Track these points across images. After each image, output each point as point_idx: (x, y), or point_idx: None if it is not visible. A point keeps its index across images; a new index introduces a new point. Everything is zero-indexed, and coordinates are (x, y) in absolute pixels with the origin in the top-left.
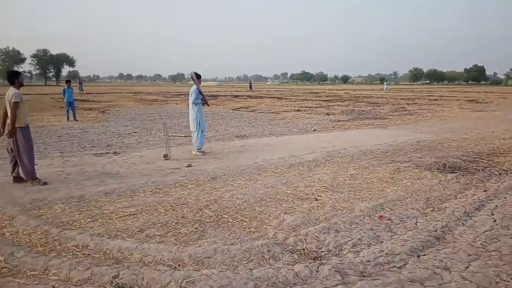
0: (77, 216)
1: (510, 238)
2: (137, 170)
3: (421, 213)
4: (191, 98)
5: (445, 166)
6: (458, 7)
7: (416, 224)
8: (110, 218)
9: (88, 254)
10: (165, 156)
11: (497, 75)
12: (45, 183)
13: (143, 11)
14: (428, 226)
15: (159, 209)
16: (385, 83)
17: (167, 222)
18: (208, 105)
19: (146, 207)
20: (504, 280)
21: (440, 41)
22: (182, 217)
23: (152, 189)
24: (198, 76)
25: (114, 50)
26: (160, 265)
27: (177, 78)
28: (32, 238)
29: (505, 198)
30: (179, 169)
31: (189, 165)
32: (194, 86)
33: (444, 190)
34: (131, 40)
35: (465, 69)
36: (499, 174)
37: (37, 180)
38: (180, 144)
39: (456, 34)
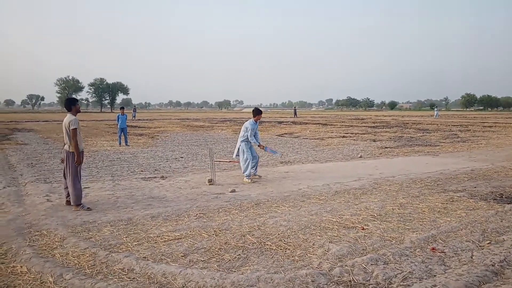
0: (124, 239)
1: None
2: (183, 194)
3: (477, 246)
4: (246, 134)
5: (502, 196)
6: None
7: (471, 257)
8: (156, 242)
9: (133, 278)
10: (210, 181)
11: None
12: (88, 209)
13: (184, 39)
14: (485, 260)
15: (203, 234)
16: (435, 109)
17: (210, 247)
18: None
19: (190, 231)
20: None
21: (494, 65)
22: (225, 243)
23: (197, 214)
24: (258, 112)
25: (165, 79)
26: None
27: (223, 104)
28: (80, 260)
29: None
30: (223, 194)
31: (233, 191)
32: (251, 121)
33: (501, 221)
34: (179, 68)
35: None
36: None
37: (81, 205)
38: (224, 169)
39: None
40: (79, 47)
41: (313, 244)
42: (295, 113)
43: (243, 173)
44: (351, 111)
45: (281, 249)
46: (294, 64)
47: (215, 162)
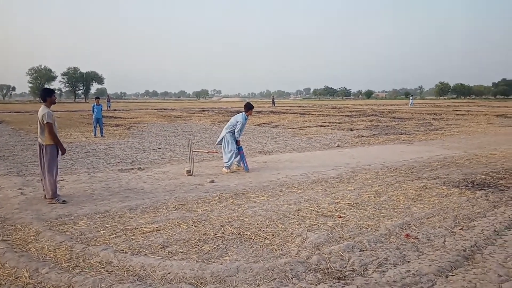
0: (101, 232)
1: None
2: (161, 186)
3: (449, 232)
4: (235, 126)
5: (473, 183)
6: (485, 22)
7: (444, 243)
8: (134, 234)
9: (111, 271)
10: (189, 172)
11: None
12: (64, 201)
13: (166, 28)
14: (457, 245)
15: (181, 225)
16: (410, 97)
17: (189, 238)
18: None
19: (169, 223)
20: None
21: (467, 55)
22: (205, 233)
23: (175, 205)
24: (250, 107)
25: (141, 68)
26: (182, 283)
27: (201, 94)
28: (56, 254)
29: None
30: (202, 185)
31: (212, 181)
32: (243, 115)
33: (472, 208)
34: (156, 58)
35: (493, 83)
36: None
37: (56, 198)
38: (203, 160)
39: (483, 48)
40: (50, 34)
41: (292, 233)
42: (273, 103)
43: (225, 163)
44: (328, 100)
45: (260, 238)
46: (272, 53)
47: (193, 153)
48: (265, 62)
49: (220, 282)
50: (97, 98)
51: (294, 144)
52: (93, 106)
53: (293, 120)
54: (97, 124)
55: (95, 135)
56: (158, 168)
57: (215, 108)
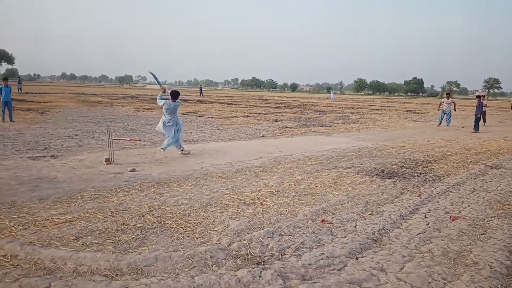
0: (7, 223)
1: (442, 240)
2: (76, 174)
3: (361, 217)
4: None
5: (383, 172)
6: (403, 23)
7: (355, 227)
8: (44, 226)
9: (17, 264)
10: (107, 160)
11: (434, 88)
12: None
13: (90, 6)
14: (367, 229)
15: (98, 216)
16: (332, 92)
17: (106, 229)
18: None
19: (83, 213)
20: (435, 280)
21: (383, 53)
22: (123, 223)
23: (91, 195)
24: (173, 95)
25: (58, 48)
26: (96, 275)
27: (125, 79)
28: None
29: (437, 202)
30: (122, 173)
31: (133, 170)
32: (169, 101)
33: (382, 194)
34: (75, 37)
35: (405, 81)
36: (433, 180)
37: None
38: (124, 148)
39: (397, 48)
40: None
41: (214, 221)
42: (201, 92)
43: (161, 147)
44: (255, 92)
45: (181, 227)
46: (201, 42)
47: (113, 141)
48: (194, 51)
49: (137, 272)
50: (5, 79)
51: (220, 134)
52: (1, 88)
53: (220, 110)
54: (6, 108)
55: (3, 119)
56: (74, 156)
57: (140, 94)
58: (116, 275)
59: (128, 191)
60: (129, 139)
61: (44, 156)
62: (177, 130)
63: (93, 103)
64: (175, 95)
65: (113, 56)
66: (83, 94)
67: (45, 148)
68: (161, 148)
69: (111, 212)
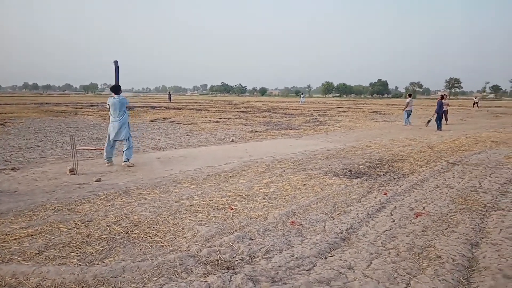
0: None
1: (407, 236)
2: (39, 186)
3: (329, 217)
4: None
5: (351, 172)
6: (360, 25)
7: (324, 227)
8: (4, 241)
9: None
10: (72, 170)
11: (398, 89)
12: None
13: (55, 12)
14: (335, 228)
15: (61, 228)
16: (301, 95)
17: (70, 241)
18: None
19: (46, 226)
20: (401, 275)
21: (349, 57)
22: (88, 235)
23: (55, 207)
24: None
25: (18, 57)
26: None
27: (90, 88)
28: None
29: (402, 199)
30: (87, 184)
31: (99, 180)
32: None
33: (350, 194)
34: (38, 46)
35: (371, 83)
36: (398, 178)
37: None
38: (89, 157)
39: (362, 51)
40: None
41: (183, 228)
42: (170, 98)
43: (124, 160)
44: (225, 97)
45: (149, 236)
46: (169, 48)
47: (78, 150)
48: (161, 57)
49: (103, 284)
50: None
51: (189, 140)
52: None
53: (189, 115)
54: None
55: None
56: (36, 167)
57: (105, 103)
58: (82, 287)
59: (93, 202)
60: (94, 148)
61: (5, 169)
62: (129, 134)
63: (57, 113)
64: (115, 89)
65: (78, 63)
66: (46, 103)
67: (5, 161)
68: (125, 162)
69: (76, 224)
